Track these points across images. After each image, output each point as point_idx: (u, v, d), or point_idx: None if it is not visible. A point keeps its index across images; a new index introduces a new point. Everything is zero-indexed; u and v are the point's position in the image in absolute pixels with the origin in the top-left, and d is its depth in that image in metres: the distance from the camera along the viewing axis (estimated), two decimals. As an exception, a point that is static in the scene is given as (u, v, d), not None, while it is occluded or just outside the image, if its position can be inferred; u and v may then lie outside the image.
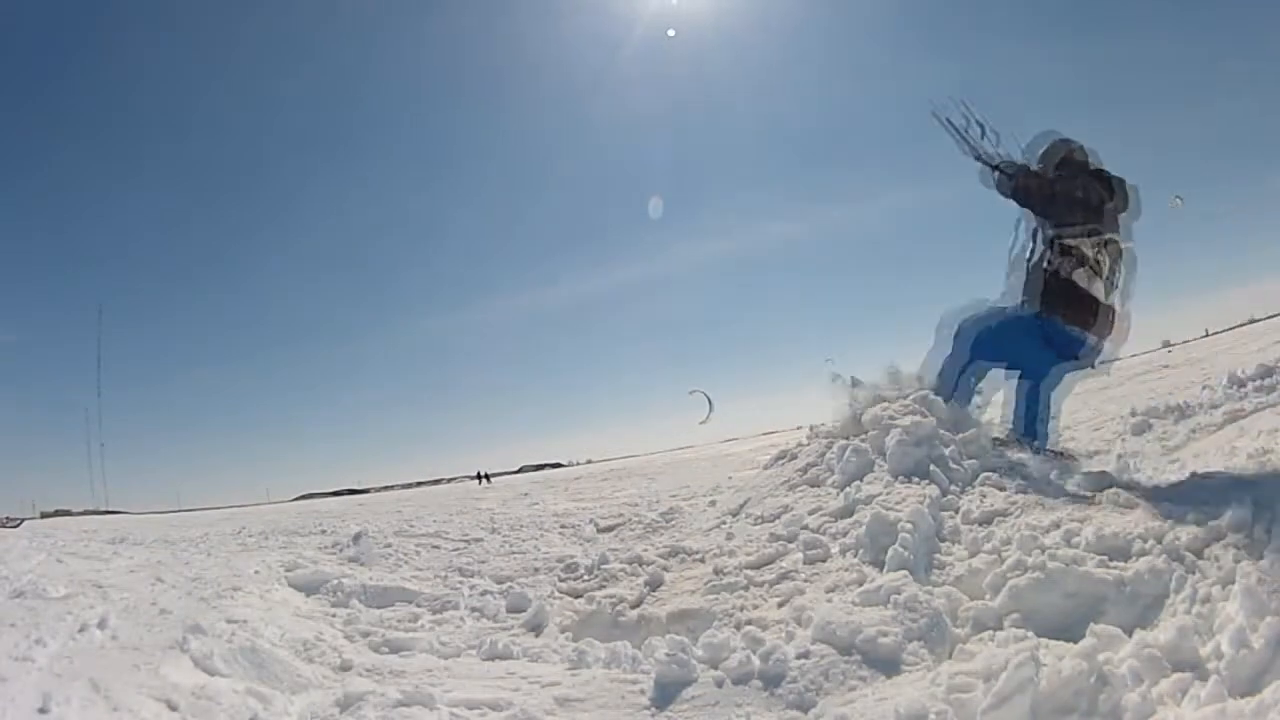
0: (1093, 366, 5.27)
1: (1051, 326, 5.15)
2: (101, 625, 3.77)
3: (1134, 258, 5.27)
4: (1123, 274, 5.21)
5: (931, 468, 5.89)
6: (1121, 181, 5.10)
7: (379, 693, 3.30)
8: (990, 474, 5.92)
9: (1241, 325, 21.62)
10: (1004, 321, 5.36)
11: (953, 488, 5.69)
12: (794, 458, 7.14)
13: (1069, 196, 5.03)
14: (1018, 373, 5.43)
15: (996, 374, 5.69)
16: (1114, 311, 5.16)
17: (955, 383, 5.52)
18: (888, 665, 3.35)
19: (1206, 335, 22.96)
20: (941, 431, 6.40)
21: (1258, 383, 6.74)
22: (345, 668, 3.75)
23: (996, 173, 5.34)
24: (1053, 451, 5.46)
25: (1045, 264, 5.20)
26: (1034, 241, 5.38)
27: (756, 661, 3.38)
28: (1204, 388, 7.38)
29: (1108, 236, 5.04)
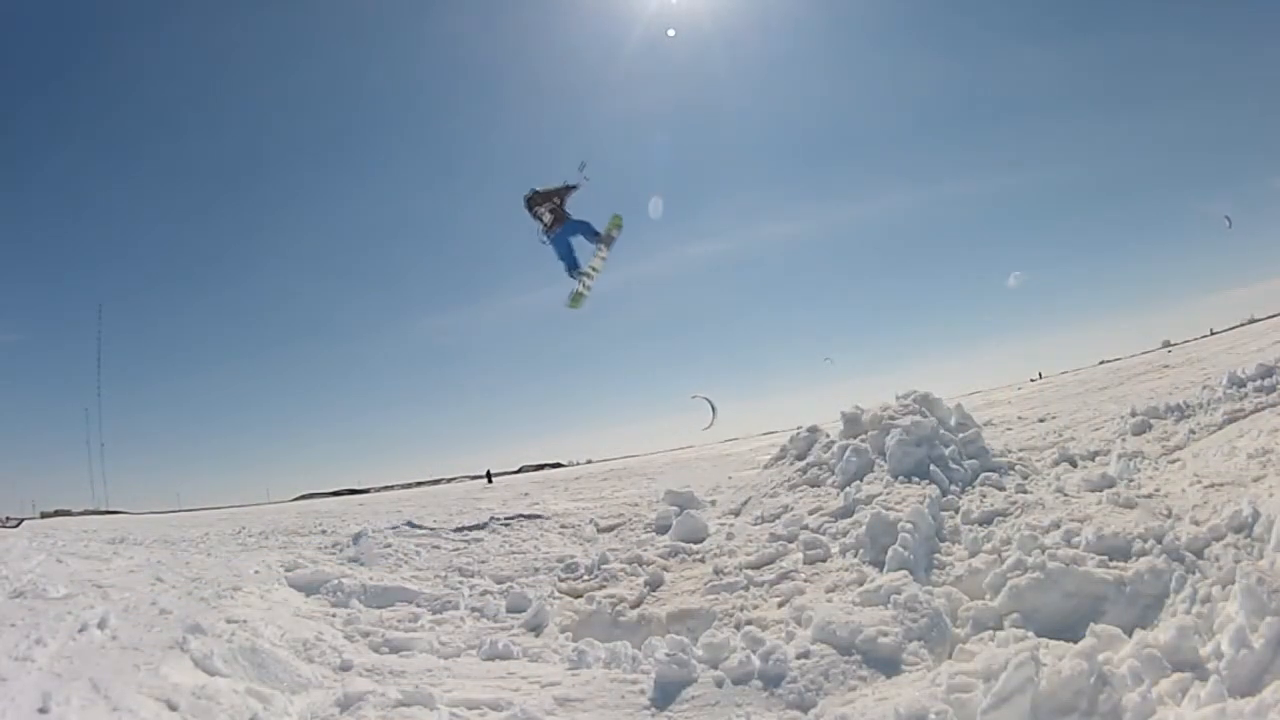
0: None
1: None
2: (101, 625, 3.77)
3: None
4: None
5: (931, 468, 5.90)
6: None
7: (379, 693, 3.31)
8: (990, 474, 5.94)
9: (1242, 325, 21.61)
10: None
11: (953, 488, 5.71)
12: (794, 457, 7.19)
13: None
14: None
15: None
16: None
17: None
18: (888, 665, 3.37)
19: (1211, 334, 22.91)
20: (942, 431, 6.42)
21: (1258, 383, 6.72)
22: (345, 668, 3.75)
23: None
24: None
25: None
26: None
27: (756, 661, 3.39)
28: (1204, 388, 7.37)
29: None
